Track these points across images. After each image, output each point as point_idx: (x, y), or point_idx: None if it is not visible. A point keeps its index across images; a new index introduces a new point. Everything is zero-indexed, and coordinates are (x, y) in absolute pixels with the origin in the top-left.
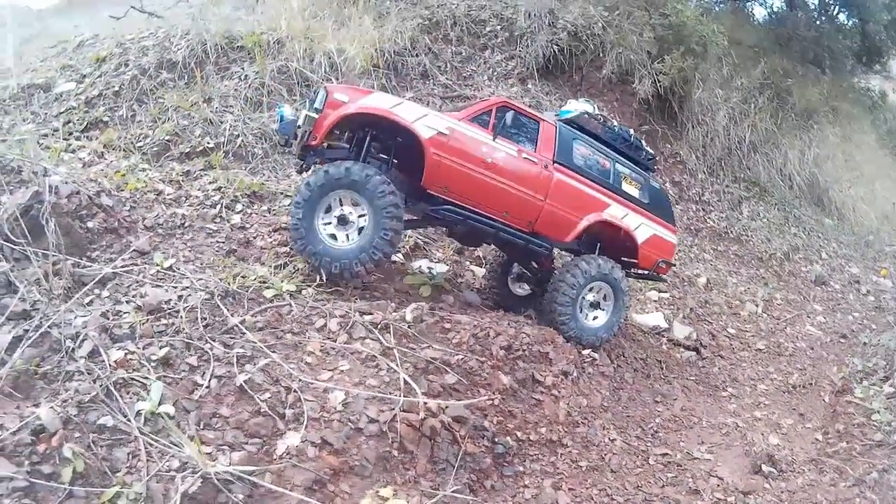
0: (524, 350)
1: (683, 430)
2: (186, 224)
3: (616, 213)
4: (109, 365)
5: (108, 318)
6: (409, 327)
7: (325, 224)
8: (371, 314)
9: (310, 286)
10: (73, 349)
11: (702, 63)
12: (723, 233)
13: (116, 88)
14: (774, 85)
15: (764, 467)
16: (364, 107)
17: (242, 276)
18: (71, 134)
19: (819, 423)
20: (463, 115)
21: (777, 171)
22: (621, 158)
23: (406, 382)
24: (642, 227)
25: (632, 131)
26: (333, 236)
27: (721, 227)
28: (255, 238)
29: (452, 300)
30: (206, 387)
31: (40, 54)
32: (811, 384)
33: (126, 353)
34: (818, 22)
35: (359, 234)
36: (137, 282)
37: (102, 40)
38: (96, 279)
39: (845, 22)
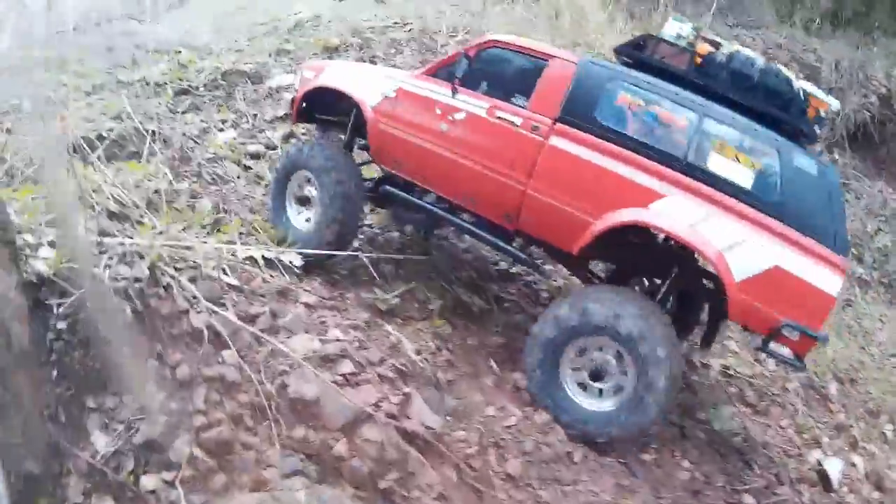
0: None
1: None
2: None
3: (675, 212)
4: None
5: None
6: None
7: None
8: None
9: None
10: None
11: None
12: None
13: None
14: None
15: None
16: (319, 82)
17: None
18: None
19: None
20: (428, 68)
21: None
22: (725, 113)
23: None
24: (746, 249)
25: (759, 60)
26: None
27: None
28: None
29: None
30: None
31: (246, 31)
32: None
33: None
34: None
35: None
36: None
37: (328, 23)
38: None
39: None
